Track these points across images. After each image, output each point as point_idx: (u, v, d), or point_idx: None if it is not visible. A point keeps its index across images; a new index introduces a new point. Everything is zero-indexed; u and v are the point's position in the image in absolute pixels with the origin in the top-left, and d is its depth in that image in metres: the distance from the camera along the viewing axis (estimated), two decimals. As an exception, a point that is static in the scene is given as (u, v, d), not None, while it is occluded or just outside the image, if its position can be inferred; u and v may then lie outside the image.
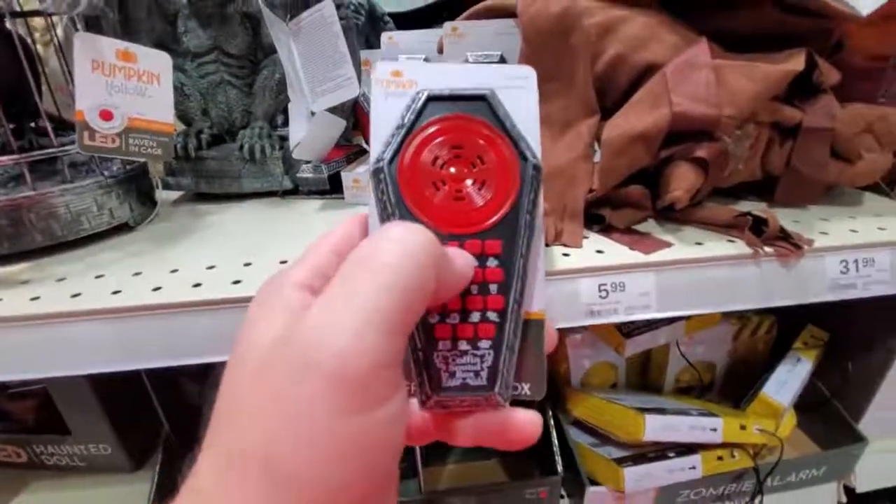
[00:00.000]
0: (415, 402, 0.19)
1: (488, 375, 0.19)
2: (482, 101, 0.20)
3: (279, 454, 0.13)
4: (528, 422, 0.19)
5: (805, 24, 0.43)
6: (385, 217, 0.19)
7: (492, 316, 0.19)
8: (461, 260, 0.18)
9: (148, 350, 0.34)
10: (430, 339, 0.19)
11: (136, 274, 0.38)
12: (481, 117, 0.20)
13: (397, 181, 0.19)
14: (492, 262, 0.19)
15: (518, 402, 0.20)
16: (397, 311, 0.15)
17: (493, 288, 0.19)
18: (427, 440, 0.20)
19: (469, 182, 0.19)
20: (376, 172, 0.19)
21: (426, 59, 0.55)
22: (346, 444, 0.14)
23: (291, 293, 0.17)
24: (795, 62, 0.39)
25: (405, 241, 0.16)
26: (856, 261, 0.40)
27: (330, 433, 0.14)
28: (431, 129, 0.19)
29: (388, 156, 0.19)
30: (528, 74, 0.20)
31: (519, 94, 0.20)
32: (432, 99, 0.20)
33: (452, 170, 0.19)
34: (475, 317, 0.19)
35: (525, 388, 0.20)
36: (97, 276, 0.38)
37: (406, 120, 0.19)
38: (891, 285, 0.41)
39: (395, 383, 0.15)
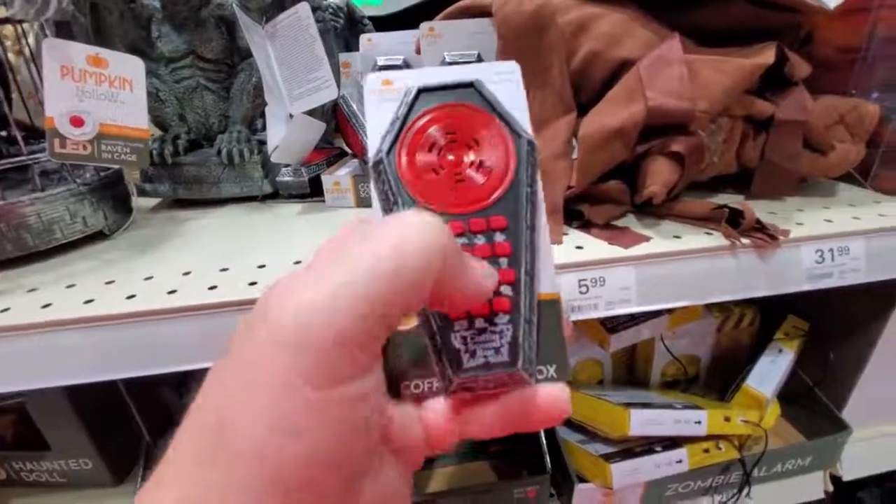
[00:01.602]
0: (434, 403, 0.19)
1: (510, 351, 0.18)
2: (470, 88, 0.20)
3: (232, 421, 0.13)
4: (554, 396, 0.18)
5: (775, 17, 0.43)
6: (387, 207, 0.19)
7: (505, 290, 0.19)
8: (480, 270, 0.17)
9: (122, 360, 0.34)
10: (445, 321, 0.19)
11: (110, 282, 0.37)
12: (471, 102, 0.20)
13: (397, 170, 0.19)
14: (499, 237, 0.19)
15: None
16: (378, 294, 0.14)
17: (504, 262, 0.19)
18: (450, 441, 0.19)
19: (467, 162, 0.20)
20: (376, 165, 0.20)
21: (405, 61, 0.55)
22: (302, 417, 0.13)
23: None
24: (766, 56, 0.40)
25: (413, 228, 0.15)
26: (831, 250, 0.40)
27: (284, 402, 0.13)
28: (425, 119, 0.20)
29: (385, 147, 0.20)
30: (513, 69, 0.21)
31: (507, 87, 0.21)
32: (423, 91, 0.20)
33: (450, 155, 0.20)
34: None
35: (550, 371, 0.19)
36: (69, 286, 0.37)
37: (399, 113, 0.20)
38: (865, 273, 0.41)
39: (362, 364, 0.15)
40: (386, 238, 0.15)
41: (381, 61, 0.50)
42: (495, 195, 0.19)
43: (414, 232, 0.15)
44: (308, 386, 0.13)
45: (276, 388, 0.13)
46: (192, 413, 0.15)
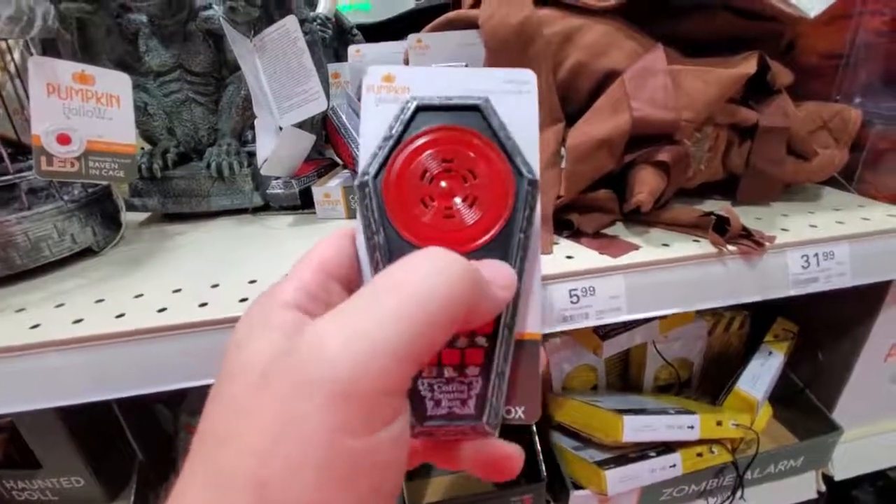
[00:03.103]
0: None
1: (476, 404, 0.18)
2: (475, 112, 0.18)
3: (271, 476, 0.13)
4: (510, 456, 0.18)
5: (757, 27, 0.44)
6: (369, 234, 0.18)
7: (480, 341, 0.18)
8: (500, 282, 0.17)
9: (112, 380, 0.33)
10: None
11: (99, 301, 0.37)
12: (474, 128, 0.18)
13: (382, 197, 0.18)
14: None
15: (508, 427, 0.19)
16: (412, 343, 0.14)
17: None
18: (415, 463, 0.19)
19: (459, 199, 0.18)
20: (361, 187, 0.18)
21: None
22: (346, 468, 0.13)
23: (283, 314, 0.16)
24: (748, 65, 0.40)
25: (441, 271, 0.15)
26: (816, 255, 0.41)
27: (327, 454, 0.13)
28: (420, 141, 0.18)
29: (373, 170, 0.18)
30: (529, 79, 0.19)
31: (518, 100, 0.19)
32: (422, 109, 0.18)
33: (443, 184, 0.18)
34: (462, 342, 0.18)
35: (519, 412, 0.19)
36: (58, 305, 0.37)
37: (394, 131, 0.18)
38: (850, 277, 0.42)
39: (398, 406, 0.15)
40: (417, 287, 0.15)
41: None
42: (484, 238, 0.18)
43: (444, 279, 0.15)
44: (350, 434, 0.13)
45: (316, 438, 0.13)
46: (210, 472, 0.14)
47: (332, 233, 0.19)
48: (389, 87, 0.19)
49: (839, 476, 0.58)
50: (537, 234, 0.19)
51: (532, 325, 0.19)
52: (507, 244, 0.18)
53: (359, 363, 0.13)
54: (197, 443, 0.14)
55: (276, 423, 0.13)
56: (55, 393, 0.33)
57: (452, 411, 0.18)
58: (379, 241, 0.18)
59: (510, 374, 0.18)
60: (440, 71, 0.19)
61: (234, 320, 0.34)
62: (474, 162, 0.18)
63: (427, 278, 0.15)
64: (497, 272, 0.17)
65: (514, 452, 0.19)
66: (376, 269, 0.18)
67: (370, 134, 0.18)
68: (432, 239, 0.18)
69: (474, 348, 0.18)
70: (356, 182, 0.18)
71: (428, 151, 0.18)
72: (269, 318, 0.16)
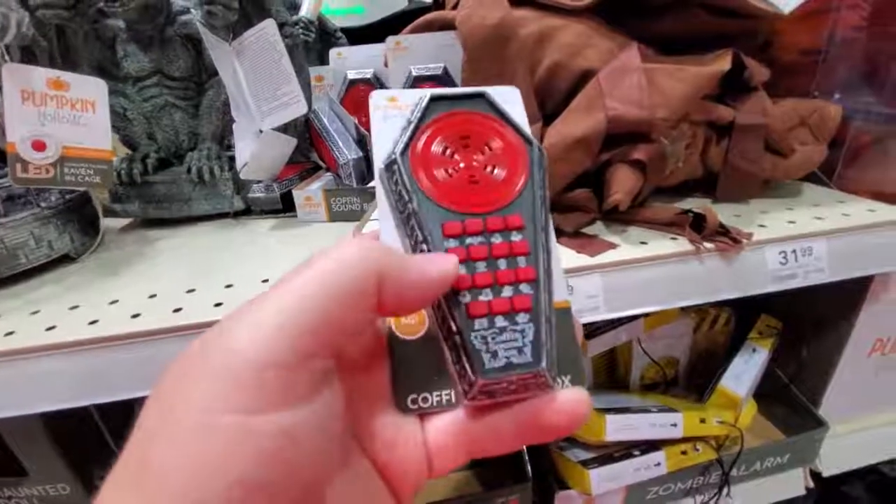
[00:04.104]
0: (439, 421, 0.18)
1: (532, 350, 0.18)
2: (481, 98, 0.21)
3: (154, 454, 0.13)
4: (575, 399, 0.17)
5: (733, 25, 0.44)
6: (401, 206, 0.19)
7: (525, 288, 0.18)
8: (433, 266, 0.17)
9: (85, 386, 0.33)
10: (465, 320, 0.18)
11: (74, 307, 0.37)
12: (483, 110, 0.21)
13: (411, 170, 0.19)
14: (516, 237, 0.19)
15: None
16: (306, 312, 0.14)
17: (522, 260, 0.19)
18: (459, 461, 0.18)
19: (481, 164, 0.20)
20: (389, 165, 0.20)
21: (374, 75, 0.56)
22: (221, 449, 0.13)
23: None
24: (722, 63, 0.40)
25: (335, 249, 0.16)
26: (794, 251, 0.41)
27: (203, 432, 0.13)
28: (439, 123, 0.20)
29: (399, 149, 0.20)
30: (514, 91, 0.22)
31: (512, 108, 0.21)
32: (434, 99, 0.21)
33: (462, 158, 0.20)
34: (508, 291, 0.18)
35: (566, 382, 0.19)
36: (33, 312, 0.37)
37: (413, 117, 0.20)
38: (829, 273, 0.42)
39: (298, 392, 0.14)
40: (310, 267, 0.15)
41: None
42: (510, 196, 0.19)
43: (335, 255, 0.15)
44: (234, 411, 0.13)
45: (196, 415, 0.13)
46: (125, 449, 0.14)
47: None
48: (394, 106, 0.21)
49: (827, 472, 0.58)
50: (549, 199, 0.20)
51: (559, 293, 0.20)
52: (530, 200, 0.20)
53: (244, 335, 0.14)
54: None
55: (170, 400, 0.14)
56: (31, 400, 0.33)
57: (510, 361, 0.18)
58: (413, 208, 0.19)
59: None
60: (443, 89, 0.22)
61: (208, 325, 0.34)
62: (488, 136, 0.20)
63: (321, 260, 0.15)
64: (424, 258, 0.18)
65: (577, 393, 0.18)
66: (411, 234, 0.19)
67: (382, 139, 0.21)
68: (463, 201, 0.19)
69: (521, 295, 0.18)
70: (383, 165, 0.20)
71: (447, 131, 0.20)
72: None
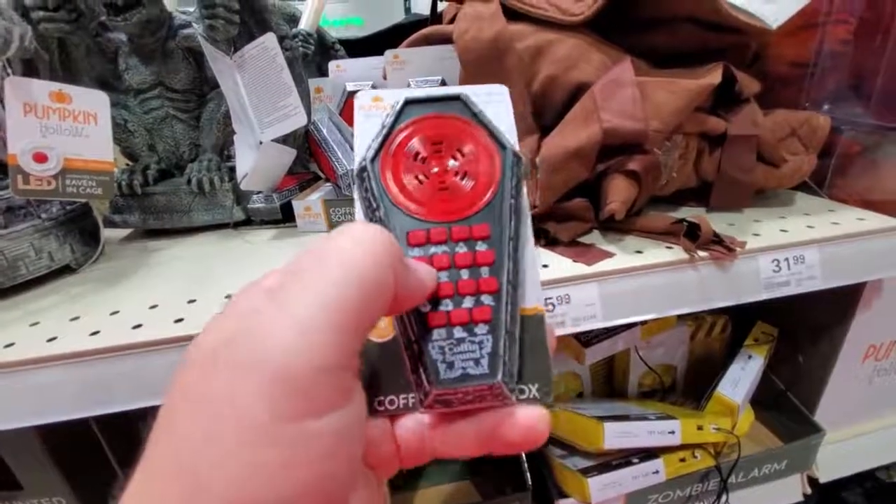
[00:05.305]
0: (408, 421, 0.18)
1: (489, 362, 0.18)
2: (457, 101, 0.21)
3: (203, 463, 0.12)
4: (532, 418, 0.17)
5: (722, 39, 0.45)
6: (370, 213, 0.19)
7: (486, 300, 0.18)
8: (423, 268, 0.17)
9: (85, 397, 0.33)
10: (424, 329, 0.18)
11: (75, 318, 0.37)
12: (457, 114, 0.20)
13: (380, 176, 0.19)
14: (481, 246, 0.19)
15: None
16: (350, 309, 0.14)
17: (485, 271, 0.19)
18: (425, 458, 0.18)
19: (451, 171, 0.20)
20: (361, 171, 0.20)
21: (373, 87, 0.56)
22: (280, 458, 0.12)
23: (249, 300, 0.15)
24: (713, 76, 0.41)
25: (363, 236, 0.15)
26: (787, 259, 0.42)
27: (260, 442, 0.12)
28: (411, 128, 0.20)
29: (370, 155, 0.20)
30: (503, 91, 0.21)
31: (498, 107, 0.21)
32: (410, 102, 0.20)
33: (434, 164, 0.20)
34: (469, 301, 0.18)
35: (532, 390, 0.19)
36: (33, 324, 0.37)
37: (386, 122, 0.20)
38: (821, 280, 0.43)
39: (345, 391, 0.14)
40: (343, 259, 0.15)
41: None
42: (479, 204, 0.19)
43: (368, 248, 0.15)
44: (288, 419, 0.13)
45: (249, 425, 0.12)
46: (154, 466, 0.13)
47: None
48: (377, 106, 0.21)
49: (824, 478, 0.58)
50: (527, 207, 0.20)
51: (531, 299, 0.19)
52: (500, 209, 0.19)
53: (294, 339, 0.13)
54: (149, 440, 0.14)
55: (216, 408, 0.13)
56: (32, 412, 0.33)
57: (466, 372, 0.18)
58: (380, 216, 0.19)
59: (518, 350, 0.19)
60: (419, 91, 0.22)
61: (210, 335, 0.34)
62: (461, 141, 0.20)
63: (352, 242, 0.15)
64: (415, 261, 0.18)
65: (534, 412, 0.17)
66: None
67: (362, 137, 0.20)
68: (430, 209, 0.19)
69: (481, 307, 0.18)
70: (355, 169, 0.20)
71: (419, 136, 0.20)
72: (238, 300, 0.16)
